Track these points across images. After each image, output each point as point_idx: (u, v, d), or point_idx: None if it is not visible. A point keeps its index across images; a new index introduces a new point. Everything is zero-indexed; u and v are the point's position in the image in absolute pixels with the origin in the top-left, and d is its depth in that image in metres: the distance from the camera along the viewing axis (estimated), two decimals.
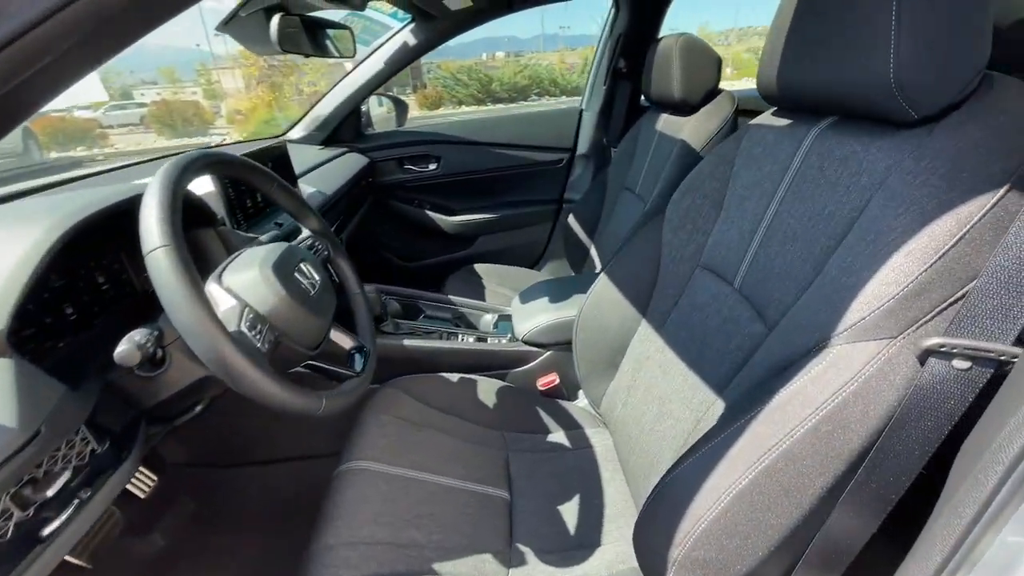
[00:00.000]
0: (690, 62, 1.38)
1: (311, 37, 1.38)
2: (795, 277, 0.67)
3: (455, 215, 2.07)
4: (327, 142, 1.85)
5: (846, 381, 0.52)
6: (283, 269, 0.68)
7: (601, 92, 1.91)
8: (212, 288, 0.62)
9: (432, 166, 2.02)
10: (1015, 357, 0.46)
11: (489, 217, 2.06)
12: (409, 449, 0.92)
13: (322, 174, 1.50)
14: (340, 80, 1.79)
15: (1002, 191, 0.49)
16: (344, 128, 1.86)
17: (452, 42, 1.82)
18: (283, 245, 0.73)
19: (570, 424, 1.12)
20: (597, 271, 1.70)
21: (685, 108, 1.43)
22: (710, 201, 0.89)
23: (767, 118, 0.84)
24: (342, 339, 0.84)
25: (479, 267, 1.94)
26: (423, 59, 1.82)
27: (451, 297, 1.45)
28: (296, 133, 1.83)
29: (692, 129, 1.40)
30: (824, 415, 0.52)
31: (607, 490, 0.95)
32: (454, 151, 2.01)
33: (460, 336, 1.27)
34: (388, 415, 0.99)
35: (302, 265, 0.73)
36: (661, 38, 1.49)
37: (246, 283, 0.64)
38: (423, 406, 1.05)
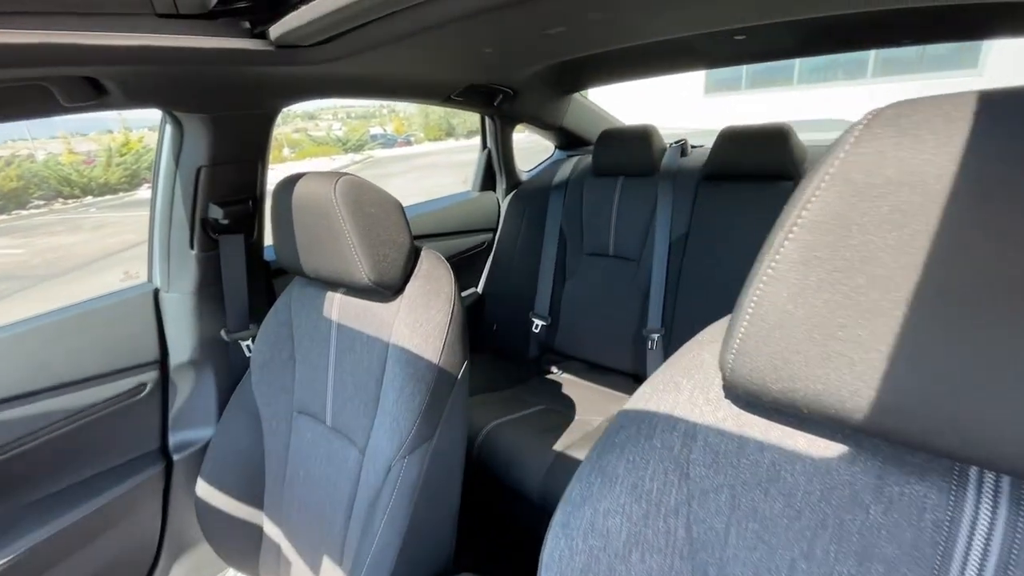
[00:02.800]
0: (368, 225, 0.81)
1: None
2: None
3: None
4: None
5: None
6: None
7: (190, 260, 1.08)
8: None
9: None
10: None
11: (9, 558, 0.89)
12: None
13: None
14: None
15: None
16: None
17: None
18: None
19: None
20: None
21: (383, 294, 0.86)
22: None
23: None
24: None
25: None
26: None
27: None
28: None
29: (410, 325, 0.83)
30: None
31: None
32: None
33: None
34: None
35: None
36: (295, 178, 0.87)
37: None
38: None
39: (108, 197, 13.83)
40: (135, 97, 0.80)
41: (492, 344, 1.90)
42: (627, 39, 1.13)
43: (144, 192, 14.19)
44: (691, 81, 8.69)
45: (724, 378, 0.36)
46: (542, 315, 1.79)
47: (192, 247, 1.07)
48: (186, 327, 1.11)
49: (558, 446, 1.28)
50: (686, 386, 0.42)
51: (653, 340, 1.54)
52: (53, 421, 0.98)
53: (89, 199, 13.45)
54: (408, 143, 22.24)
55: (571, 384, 1.69)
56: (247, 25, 0.75)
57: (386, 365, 0.84)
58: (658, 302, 1.55)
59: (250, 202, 1.09)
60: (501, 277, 1.90)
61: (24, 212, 12.67)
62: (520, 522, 1.32)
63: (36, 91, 0.71)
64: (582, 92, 1.83)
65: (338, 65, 0.94)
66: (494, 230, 1.93)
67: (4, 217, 12.33)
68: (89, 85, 0.74)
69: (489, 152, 1.84)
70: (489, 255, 1.94)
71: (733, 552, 0.36)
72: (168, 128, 0.98)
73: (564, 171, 1.82)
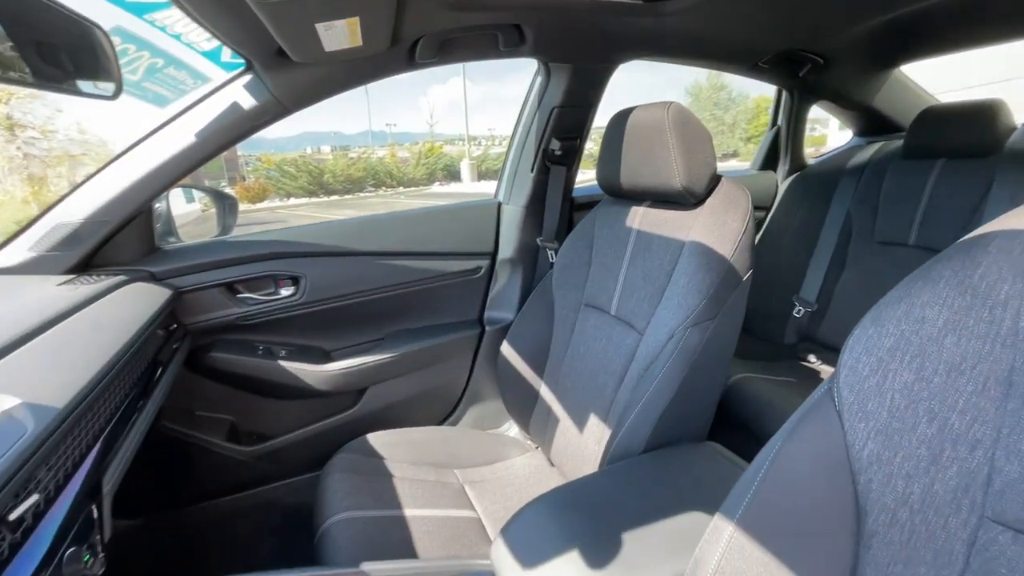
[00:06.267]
0: (689, 141, 1.00)
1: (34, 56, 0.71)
2: None
3: (330, 361, 1.34)
4: (83, 267, 1.03)
5: None
6: None
7: (528, 181, 1.45)
8: None
9: (288, 290, 1.30)
10: None
11: (383, 358, 1.38)
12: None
13: (60, 339, 0.71)
14: (112, 161, 1.03)
15: None
16: (119, 242, 1.06)
17: (271, 134, 1.21)
18: None
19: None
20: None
21: (686, 200, 1.03)
22: None
23: None
24: None
25: (375, 438, 1.24)
26: (239, 148, 1.17)
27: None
28: (12, 256, 0.98)
29: (708, 227, 0.98)
30: None
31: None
32: (324, 265, 1.33)
33: None
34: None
35: None
36: (630, 109, 1.11)
37: None
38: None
39: (411, 189, 17.76)
40: (537, 48, 1.16)
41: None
42: None
43: (436, 187, 17.76)
44: None
45: None
46: (808, 301, 1.72)
47: (532, 171, 1.43)
48: (513, 232, 1.48)
49: None
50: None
51: None
52: (424, 277, 1.45)
53: (401, 189, 17.49)
54: None
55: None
56: None
57: (679, 260, 1.01)
58: None
59: (577, 140, 1.40)
60: (767, 256, 1.88)
61: (361, 194, 17.21)
62: None
63: (488, 38, 1.10)
64: (901, 68, 1.68)
65: (675, 21, 1.15)
66: (768, 208, 1.92)
67: (350, 197, 16.98)
68: (517, 34, 1.10)
69: (778, 130, 1.85)
70: (758, 233, 1.94)
71: None
72: (539, 79, 1.35)
73: (862, 156, 1.71)
